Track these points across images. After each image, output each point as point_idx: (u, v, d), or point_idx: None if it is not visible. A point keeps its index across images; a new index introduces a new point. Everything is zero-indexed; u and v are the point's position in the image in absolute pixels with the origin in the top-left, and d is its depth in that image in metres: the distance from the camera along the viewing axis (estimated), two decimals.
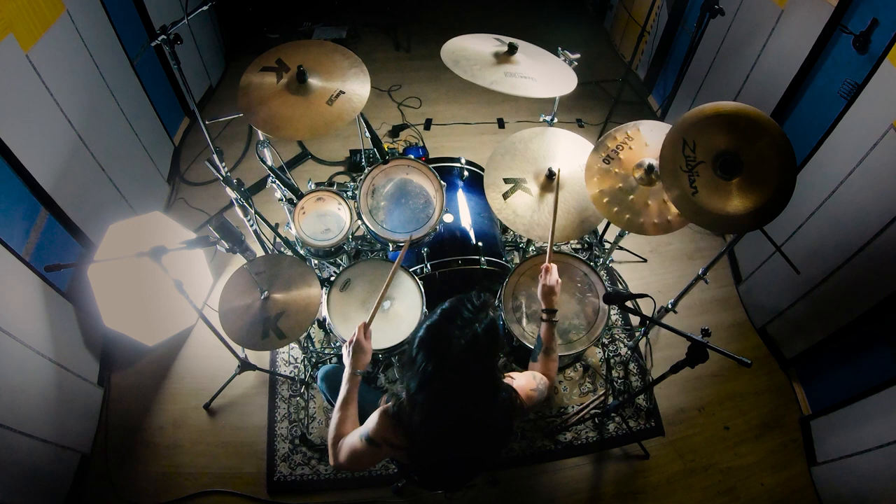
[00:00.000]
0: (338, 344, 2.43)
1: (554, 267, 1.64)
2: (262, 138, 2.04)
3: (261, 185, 3.09)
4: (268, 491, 2.19)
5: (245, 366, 2.12)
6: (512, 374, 1.43)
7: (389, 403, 1.30)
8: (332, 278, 2.07)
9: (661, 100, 3.56)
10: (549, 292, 1.60)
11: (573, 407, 2.43)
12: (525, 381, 1.43)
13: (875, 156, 1.90)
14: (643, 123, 1.91)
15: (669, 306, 2.19)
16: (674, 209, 1.78)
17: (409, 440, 1.27)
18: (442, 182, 2.15)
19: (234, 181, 1.91)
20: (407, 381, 1.24)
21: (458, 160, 2.41)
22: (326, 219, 2.18)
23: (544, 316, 1.59)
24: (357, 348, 1.50)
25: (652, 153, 1.84)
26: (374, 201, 2.16)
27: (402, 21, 4.11)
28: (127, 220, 2.28)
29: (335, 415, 1.41)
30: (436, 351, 1.18)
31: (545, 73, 1.91)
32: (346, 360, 1.51)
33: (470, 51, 1.92)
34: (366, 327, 1.54)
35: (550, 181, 1.97)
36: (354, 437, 1.32)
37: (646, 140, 1.89)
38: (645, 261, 2.92)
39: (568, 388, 2.48)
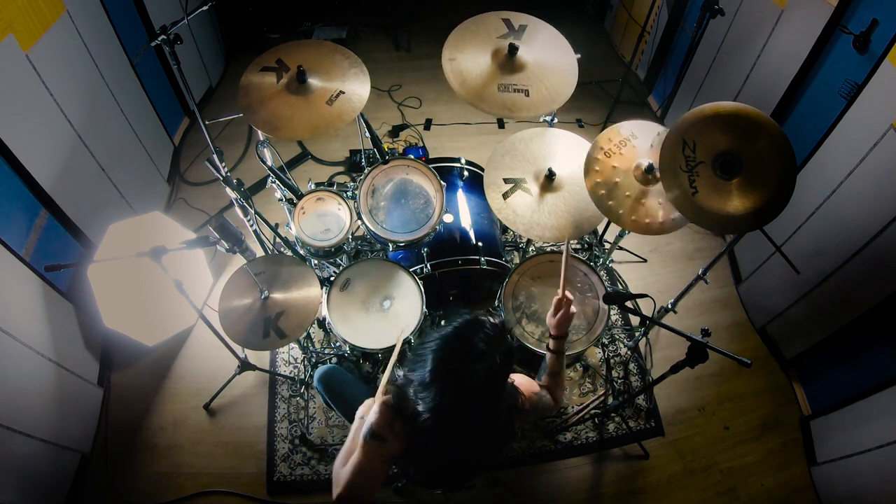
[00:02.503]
0: (337, 344, 2.43)
1: (571, 298, 1.52)
2: (262, 138, 2.04)
3: (261, 185, 3.09)
4: (268, 491, 2.19)
5: (245, 366, 2.12)
6: (514, 375, 1.42)
7: (389, 396, 1.27)
8: (332, 278, 2.07)
9: (661, 100, 3.56)
10: (564, 321, 1.49)
11: (573, 407, 2.43)
12: (529, 382, 1.43)
13: (875, 156, 1.90)
14: (642, 124, 1.91)
15: (669, 306, 2.19)
16: (673, 209, 1.78)
17: (408, 436, 1.26)
18: (442, 182, 2.15)
19: (234, 181, 1.91)
20: (414, 387, 1.21)
21: (457, 160, 2.41)
22: (326, 219, 2.18)
23: (552, 344, 1.50)
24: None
25: (651, 153, 1.84)
26: (374, 201, 2.16)
27: (402, 21, 4.11)
28: (127, 220, 2.28)
29: (340, 458, 1.30)
30: (452, 385, 1.15)
31: (544, 78, 1.90)
32: (367, 418, 1.30)
33: (469, 52, 1.92)
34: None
35: (550, 182, 1.97)
36: (347, 445, 1.28)
37: (643, 141, 1.89)
38: (645, 261, 2.92)
39: (568, 388, 2.48)
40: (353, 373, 2.16)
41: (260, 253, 2.40)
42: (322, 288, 1.98)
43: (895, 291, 1.88)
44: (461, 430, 1.23)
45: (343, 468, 1.26)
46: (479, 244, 2.20)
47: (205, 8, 1.94)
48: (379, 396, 1.30)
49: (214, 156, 1.93)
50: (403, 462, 1.36)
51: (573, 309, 1.50)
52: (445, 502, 2.19)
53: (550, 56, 1.95)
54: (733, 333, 2.70)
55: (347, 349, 2.03)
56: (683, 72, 3.13)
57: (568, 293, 1.50)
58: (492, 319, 1.21)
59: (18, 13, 1.87)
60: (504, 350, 1.18)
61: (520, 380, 1.40)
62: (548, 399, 1.47)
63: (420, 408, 1.18)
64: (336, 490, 1.24)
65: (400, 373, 1.29)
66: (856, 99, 1.99)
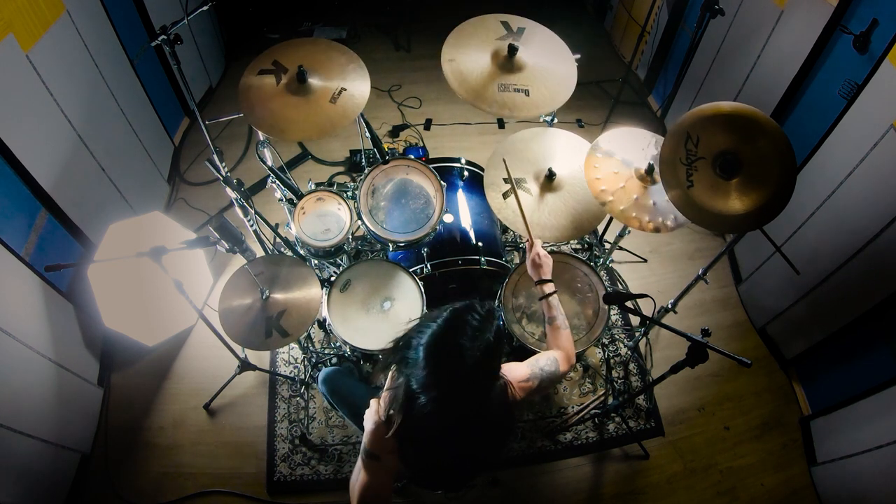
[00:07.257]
0: (337, 344, 2.43)
1: (538, 241, 1.68)
2: (262, 138, 2.04)
3: (261, 185, 3.09)
4: (268, 491, 2.19)
5: (245, 366, 2.12)
6: (507, 365, 1.39)
7: (381, 409, 1.27)
8: (333, 279, 2.07)
9: (661, 100, 3.56)
10: (535, 264, 1.61)
11: (573, 407, 2.43)
12: (520, 373, 1.39)
13: (875, 156, 1.90)
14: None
15: (669, 306, 2.19)
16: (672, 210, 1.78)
17: (402, 442, 1.25)
18: (442, 182, 2.15)
19: (234, 181, 1.91)
20: (407, 378, 1.19)
21: (457, 160, 2.41)
22: (326, 219, 2.18)
23: (538, 290, 1.59)
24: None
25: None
26: (374, 201, 2.16)
27: (402, 21, 4.11)
28: (127, 220, 2.27)
29: (355, 470, 1.32)
30: (447, 364, 1.14)
31: (544, 78, 1.90)
32: (366, 438, 1.30)
33: (468, 53, 1.91)
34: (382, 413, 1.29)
35: (550, 181, 1.97)
36: (358, 463, 1.29)
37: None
38: (645, 261, 2.92)
39: (568, 388, 2.48)
40: (353, 373, 2.16)
41: (260, 253, 2.40)
42: (322, 288, 1.98)
43: (895, 291, 1.88)
44: (460, 420, 1.22)
45: (355, 483, 1.28)
46: (480, 244, 2.19)
47: (205, 8, 1.94)
48: (375, 404, 1.31)
49: (214, 156, 1.93)
50: (405, 465, 1.36)
51: (539, 250, 1.62)
52: (446, 503, 2.19)
53: (550, 57, 1.95)
54: (733, 333, 2.70)
55: (348, 350, 2.03)
56: (683, 72, 3.13)
57: (533, 238, 1.65)
58: (479, 303, 1.21)
59: (18, 13, 1.87)
60: (496, 328, 1.17)
61: (513, 373, 1.36)
62: (551, 366, 1.43)
63: (420, 400, 1.17)
64: None
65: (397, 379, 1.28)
66: (856, 99, 1.99)
